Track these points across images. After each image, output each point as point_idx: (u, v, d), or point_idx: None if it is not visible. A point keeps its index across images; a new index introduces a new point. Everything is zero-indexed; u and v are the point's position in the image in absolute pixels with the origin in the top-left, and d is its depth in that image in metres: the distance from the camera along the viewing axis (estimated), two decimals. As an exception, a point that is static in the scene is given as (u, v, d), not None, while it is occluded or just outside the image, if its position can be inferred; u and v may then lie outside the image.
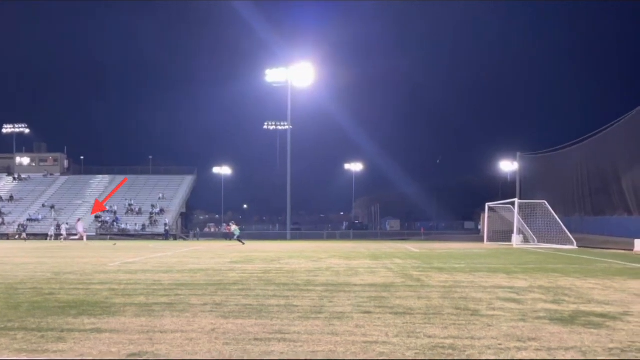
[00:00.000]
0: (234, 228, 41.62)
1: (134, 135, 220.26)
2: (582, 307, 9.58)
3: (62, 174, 79.43)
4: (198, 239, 56.81)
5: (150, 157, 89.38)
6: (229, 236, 42.76)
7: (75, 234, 50.40)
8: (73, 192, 72.54)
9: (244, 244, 38.62)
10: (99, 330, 7.63)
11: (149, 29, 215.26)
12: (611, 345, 6.72)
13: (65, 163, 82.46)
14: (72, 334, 7.40)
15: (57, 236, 52.97)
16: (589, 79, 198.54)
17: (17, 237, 54.80)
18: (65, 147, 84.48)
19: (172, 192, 72.04)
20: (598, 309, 9.38)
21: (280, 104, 69.75)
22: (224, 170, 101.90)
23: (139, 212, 66.51)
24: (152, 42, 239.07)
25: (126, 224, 63.47)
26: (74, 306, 9.73)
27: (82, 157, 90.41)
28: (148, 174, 79.58)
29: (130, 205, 67.73)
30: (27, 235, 55.74)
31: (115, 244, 38.83)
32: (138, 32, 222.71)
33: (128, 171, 78.94)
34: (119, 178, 76.10)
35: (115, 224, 63.30)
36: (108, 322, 8.27)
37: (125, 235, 59.05)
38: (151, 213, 65.85)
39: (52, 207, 67.02)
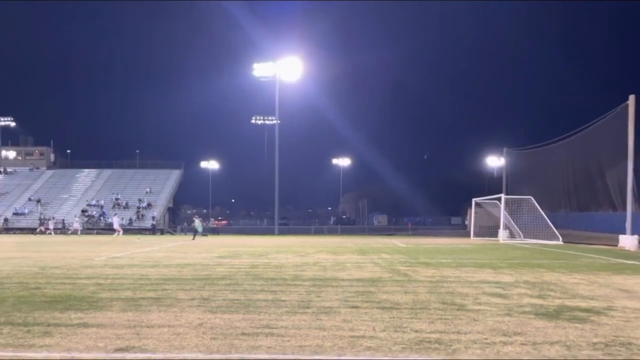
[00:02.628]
0: (196, 223, 41.52)
1: (121, 129, 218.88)
2: (567, 302, 9.68)
3: (49, 167, 78.70)
4: (185, 234, 56.57)
5: (138, 151, 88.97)
6: (192, 231, 42.46)
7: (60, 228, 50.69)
8: (59, 186, 71.95)
9: (196, 238, 38.68)
10: (85, 325, 7.61)
11: (136, 23, 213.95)
12: (595, 340, 6.80)
13: (52, 157, 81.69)
14: (59, 329, 7.38)
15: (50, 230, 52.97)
16: (575, 75, 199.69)
17: (39, 231, 54.00)
18: (52, 141, 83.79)
19: (159, 186, 71.67)
20: (583, 304, 9.49)
21: (268, 98, 69.68)
22: (211, 165, 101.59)
23: (126, 207, 66.14)
24: (139, 37, 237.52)
25: (122, 219, 63.15)
26: (61, 301, 9.69)
27: (68, 151, 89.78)
28: (135, 168, 79.09)
29: (117, 199, 67.34)
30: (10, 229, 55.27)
31: (139, 239, 38.63)
32: (125, 26, 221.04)
33: (115, 165, 78.41)
34: (106, 172, 75.63)
35: (102, 218, 62.92)
36: (95, 316, 8.25)
37: (111, 229, 58.68)
38: (138, 207, 65.51)
39: (38, 201, 66.47)
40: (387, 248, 27.35)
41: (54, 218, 59.10)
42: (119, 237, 42.84)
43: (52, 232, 53.12)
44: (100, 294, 10.49)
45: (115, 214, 54.15)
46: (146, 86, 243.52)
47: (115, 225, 47.18)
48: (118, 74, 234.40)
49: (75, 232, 53.63)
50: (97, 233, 55.54)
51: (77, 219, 58.41)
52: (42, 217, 59.73)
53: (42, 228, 53.65)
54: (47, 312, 8.55)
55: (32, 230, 55.34)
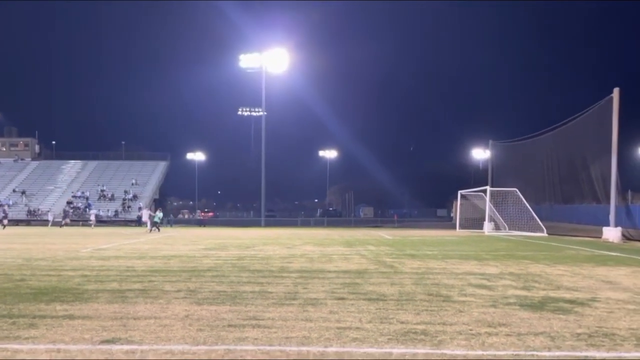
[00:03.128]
0: (157, 213, 41.14)
1: (107, 121, 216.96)
2: (551, 294, 9.78)
3: (33, 159, 78.04)
4: (172, 226, 56.30)
5: (123, 142, 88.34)
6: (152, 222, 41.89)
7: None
8: (44, 177, 71.34)
9: (159, 230, 38.41)
10: (71, 317, 7.59)
11: (122, 14, 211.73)
12: (579, 331, 6.89)
13: (37, 148, 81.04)
14: (44, 321, 7.35)
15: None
16: (561, 68, 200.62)
17: (65, 223, 53.03)
18: (37, 132, 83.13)
19: (145, 178, 71.29)
20: (567, 295, 9.59)
21: (254, 89, 69.16)
22: (197, 156, 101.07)
23: (112, 198, 65.74)
24: (125, 28, 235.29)
25: (99, 210, 62.73)
26: (46, 292, 9.65)
27: (53, 142, 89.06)
28: (121, 159, 78.54)
29: (102, 191, 66.90)
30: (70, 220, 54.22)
31: (170, 230, 37.93)
32: (111, 17, 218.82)
33: (100, 157, 77.80)
34: (91, 164, 75.06)
35: (87, 210, 62.54)
36: (80, 308, 8.22)
37: (97, 221, 58.33)
38: (124, 199, 65.18)
39: (23, 192, 65.90)
40: (373, 240, 27.44)
41: (39, 209, 58.62)
42: (144, 229, 42.27)
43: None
44: (86, 286, 10.45)
45: (145, 207, 53.09)
46: (132, 77, 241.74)
47: (144, 218, 46.76)
48: (103, 65, 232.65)
49: (91, 224, 53.25)
50: (83, 224, 54.99)
51: (93, 210, 58.07)
52: (65, 208, 59.20)
53: (68, 220, 53.12)
54: (32, 304, 8.51)
55: (16, 223, 54.80)
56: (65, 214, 55.13)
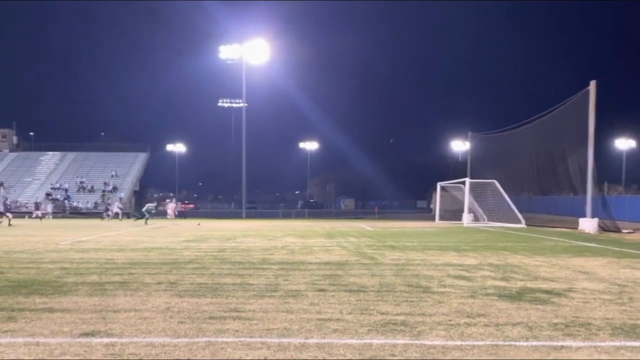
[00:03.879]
0: (116, 205, 40.71)
1: (86, 112, 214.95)
2: (529, 284, 9.92)
3: (11, 150, 76.78)
4: (152, 218, 55.89)
5: (102, 133, 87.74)
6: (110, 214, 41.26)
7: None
8: (23, 169, 70.41)
9: (102, 219, 37.98)
10: (50, 310, 7.55)
11: (100, 4, 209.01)
12: (556, 321, 7.00)
13: (14, 139, 79.76)
14: (23, 314, 7.30)
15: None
16: (539, 61, 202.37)
17: (106, 215, 51.44)
18: (14, 123, 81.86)
19: (125, 169, 70.70)
20: (544, 286, 9.73)
21: (234, 81, 68.85)
22: (178, 148, 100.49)
23: (91, 190, 65.17)
24: (104, 18, 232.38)
25: (78, 202, 62.10)
26: (25, 285, 9.57)
27: (31, 133, 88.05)
28: (100, 150, 77.77)
29: (82, 183, 66.23)
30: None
31: (199, 224, 36.85)
32: (89, 7, 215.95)
33: (79, 148, 76.95)
34: (70, 155, 74.23)
35: (66, 202, 61.92)
36: (60, 301, 8.18)
37: (77, 213, 57.76)
38: (104, 191, 64.63)
39: (1, 184, 65.08)
40: (354, 231, 27.54)
41: (17, 201, 57.89)
42: (171, 221, 41.81)
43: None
44: (65, 279, 10.38)
45: (171, 200, 52.36)
46: (112, 68, 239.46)
47: (170, 212, 46.43)
48: (82, 56, 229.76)
49: (116, 216, 50.08)
50: (63, 217, 54.35)
51: (117, 203, 54.89)
52: (36, 200, 58.30)
53: (39, 213, 52.20)
54: (11, 297, 8.44)
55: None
56: (37, 206, 54.22)
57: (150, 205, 40.55)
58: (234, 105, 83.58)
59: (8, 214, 38.96)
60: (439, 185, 46.82)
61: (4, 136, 78.80)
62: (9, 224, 34.01)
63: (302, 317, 7.15)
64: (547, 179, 38.07)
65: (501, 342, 5.98)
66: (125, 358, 5.44)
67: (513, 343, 5.97)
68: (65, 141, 78.63)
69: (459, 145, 78.99)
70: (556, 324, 6.81)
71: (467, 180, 40.63)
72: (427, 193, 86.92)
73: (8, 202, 55.23)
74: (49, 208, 47.71)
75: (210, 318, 7.07)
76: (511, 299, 8.46)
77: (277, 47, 68.80)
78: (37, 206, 53.60)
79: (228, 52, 61.37)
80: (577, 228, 29.13)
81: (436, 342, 5.98)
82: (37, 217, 49.28)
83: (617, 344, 6.00)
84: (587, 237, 23.71)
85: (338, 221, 46.98)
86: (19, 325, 6.71)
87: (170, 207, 46.90)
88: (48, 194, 62.67)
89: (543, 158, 37.40)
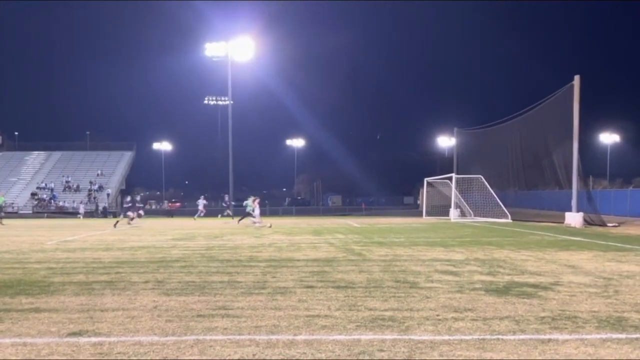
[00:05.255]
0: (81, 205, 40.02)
1: (71, 111, 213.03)
2: (516, 278, 9.99)
3: (-5, 150, 76.47)
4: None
5: (88, 132, 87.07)
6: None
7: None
8: (7, 168, 69.89)
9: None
10: (37, 310, 7.50)
11: (85, 2, 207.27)
12: (543, 314, 7.06)
13: (-1, 139, 79.33)
14: (10, 314, 7.25)
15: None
16: (523, 56, 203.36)
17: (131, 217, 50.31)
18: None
19: (111, 168, 70.43)
20: (531, 280, 9.80)
21: (220, 78, 68.62)
22: (164, 146, 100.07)
23: (77, 189, 64.81)
24: (88, 15, 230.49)
25: (64, 202, 61.72)
26: (11, 286, 9.51)
27: (16, 133, 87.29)
28: (85, 149, 77.42)
29: (67, 182, 65.83)
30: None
31: (224, 219, 34.64)
32: (73, 5, 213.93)
33: (64, 147, 76.51)
34: (55, 154, 73.75)
35: (52, 201, 61.50)
36: (47, 301, 8.13)
37: (62, 213, 57.39)
38: (89, 190, 64.29)
39: (-15, 184, 64.65)
40: (341, 228, 27.58)
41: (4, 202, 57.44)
42: (198, 219, 41.16)
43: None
44: (52, 279, 10.32)
45: (202, 196, 51.26)
46: (96, 66, 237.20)
47: (200, 207, 45.99)
48: (66, 53, 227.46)
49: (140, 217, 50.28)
50: (48, 216, 53.94)
51: (201, 200, 53.46)
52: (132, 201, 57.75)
53: (2, 213, 51.54)
54: (-3, 298, 8.37)
55: None
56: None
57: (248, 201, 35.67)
58: (220, 102, 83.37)
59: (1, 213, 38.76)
60: (425, 181, 46.97)
61: (-12, 136, 78.06)
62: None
63: (291, 313, 7.15)
64: (533, 174, 38.30)
65: (488, 336, 6.03)
66: (113, 357, 5.42)
67: (500, 337, 6.01)
68: (50, 140, 78.11)
69: (445, 141, 79.31)
70: (543, 318, 6.87)
71: (454, 175, 40.82)
72: (414, 189, 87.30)
73: None
74: (201, 205, 47.65)
75: (199, 316, 7.05)
76: (498, 293, 8.52)
77: (262, 45, 68.69)
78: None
79: (214, 49, 61.10)
80: (562, 222, 29.35)
81: (424, 337, 6.01)
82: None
83: (604, 336, 6.06)
84: (573, 231, 23.89)
85: (325, 218, 47.03)
86: (6, 325, 6.66)
87: (201, 203, 46.46)
88: (33, 194, 62.20)
89: (528, 153, 37.60)
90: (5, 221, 37.83)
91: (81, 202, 57.93)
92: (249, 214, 30.69)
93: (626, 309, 7.39)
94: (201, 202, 45.97)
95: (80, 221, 43.34)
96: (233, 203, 39.77)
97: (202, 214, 44.04)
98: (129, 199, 38.26)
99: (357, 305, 7.67)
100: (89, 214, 55.93)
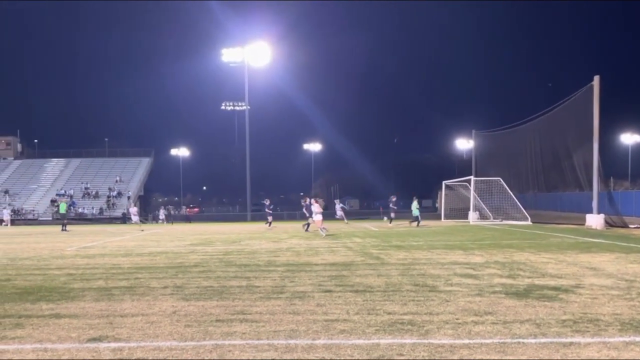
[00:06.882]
0: (62, 205, 39.75)
1: (90, 118, 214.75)
2: (537, 281, 9.88)
3: (16, 157, 77.17)
4: (157, 222, 56.01)
5: (106, 139, 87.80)
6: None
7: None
8: (27, 176, 70.72)
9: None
10: (57, 316, 7.55)
11: (101, 10, 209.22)
12: (564, 317, 6.97)
13: (19, 147, 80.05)
14: (30, 320, 7.31)
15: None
16: (543, 57, 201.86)
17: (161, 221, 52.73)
18: (18, 131, 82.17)
19: (130, 174, 70.97)
20: (551, 283, 9.69)
21: (237, 83, 68.88)
22: (181, 152, 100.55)
23: (96, 196, 65.38)
24: (106, 23, 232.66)
25: (83, 208, 62.31)
26: (32, 292, 9.59)
27: (35, 141, 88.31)
28: (104, 156, 78.16)
29: (86, 188, 66.46)
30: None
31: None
32: (91, 13, 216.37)
33: (83, 154, 77.32)
34: (74, 161, 74.52)
35: (71, 208, 62.10)
36: (67, 307, 8.18)
37: (82, 219, 57.90)
38: (108, 196, 64.84)
39: (6, 191, 65.35)
40: (359, 232, 27.52)
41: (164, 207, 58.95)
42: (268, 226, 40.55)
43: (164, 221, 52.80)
44: (71, 284, 10.40)
45: (265, 200, 51.84)
46: (114, 73, 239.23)
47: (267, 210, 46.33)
48: (84, 61, 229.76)
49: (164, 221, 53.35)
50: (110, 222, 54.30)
51: (162, 210, 58.30)
52: (166, 206, 59.11)
53: (160, 218, 53.14)
54: (18, 304, 8.45)
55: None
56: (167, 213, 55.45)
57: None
58: (237, 108, 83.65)
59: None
60: (444, 183, 46.72)
61: (8, 144, 79.12)
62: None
63: (309, 318, 7.13)
64: (553, 176, 37.96)
65: (509, 340, 5.96)
66: (132, 362, 5.43)
67: (521, 340, 5.94)
68: (69, 147, 78.94)
69: (464, 144, 78.90)
70: (564, 321, 6.78)
71: (472, 178, 40.58)
72: (432, 192, 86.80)
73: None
74: (162, 215, 53.19)
75: (217, 321, 7.06)
76: (518, 296, 8.43)
77: (278, 50, 68.99)
78: None
79: (230, 55, 61.52)
80: (583, 224, 29.03)
81: (444, 341, 5.95)
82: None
83: (626, 339, 5.97)
84: (594, 233, 23.62)
85: (343, 222, 46.93)
86: (27, 331, 6.71)
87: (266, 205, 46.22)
88: (53, 201, 62.85)
89: (548, 154, 37.25)
90: (46, 228, 38.10)
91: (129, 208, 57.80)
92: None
93: (650, 312, 7.27)
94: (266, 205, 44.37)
95: (99, 227, 43.65)
96: (271, 210, 38.50)
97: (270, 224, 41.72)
98: (135, 209, 39.24)
99: (375, 309, 7.63)
100: (108, 220, 56.51)
